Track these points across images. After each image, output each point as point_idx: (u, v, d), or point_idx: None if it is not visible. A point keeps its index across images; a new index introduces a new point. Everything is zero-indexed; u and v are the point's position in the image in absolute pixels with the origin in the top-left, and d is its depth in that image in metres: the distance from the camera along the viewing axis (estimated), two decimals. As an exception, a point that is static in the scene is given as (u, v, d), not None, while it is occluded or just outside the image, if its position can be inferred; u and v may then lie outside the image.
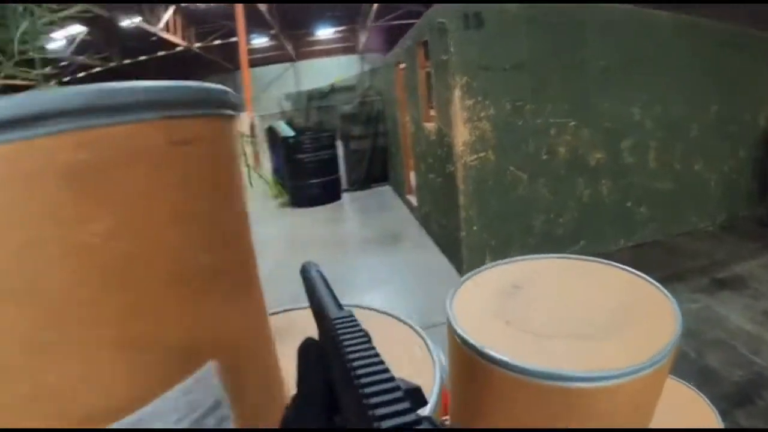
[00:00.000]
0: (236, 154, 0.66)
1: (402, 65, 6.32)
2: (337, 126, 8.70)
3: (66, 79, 16.55)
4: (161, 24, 13.94)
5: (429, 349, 1.11)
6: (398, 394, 0.26)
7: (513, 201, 4.12)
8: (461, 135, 3.93)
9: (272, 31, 18.84)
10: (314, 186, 8.10)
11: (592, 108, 4.20)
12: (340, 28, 21.84)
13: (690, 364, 2.64)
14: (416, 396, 0.28)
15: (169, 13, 14.33)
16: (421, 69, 5.21)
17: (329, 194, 8.29)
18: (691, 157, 4.66)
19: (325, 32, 22.45)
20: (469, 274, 1.41)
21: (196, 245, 0.59)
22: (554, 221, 4.22)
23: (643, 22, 4.25)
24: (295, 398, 0.38)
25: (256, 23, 16.38)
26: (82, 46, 14.60)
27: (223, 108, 0.62)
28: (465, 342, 1.05)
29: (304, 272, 0.51)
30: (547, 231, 4.21)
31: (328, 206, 8.08)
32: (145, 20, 12.82)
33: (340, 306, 0.40)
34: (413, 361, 1.09)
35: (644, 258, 4.18)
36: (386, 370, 0.28)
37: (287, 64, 23.53)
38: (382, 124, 8.54)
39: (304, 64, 23.46)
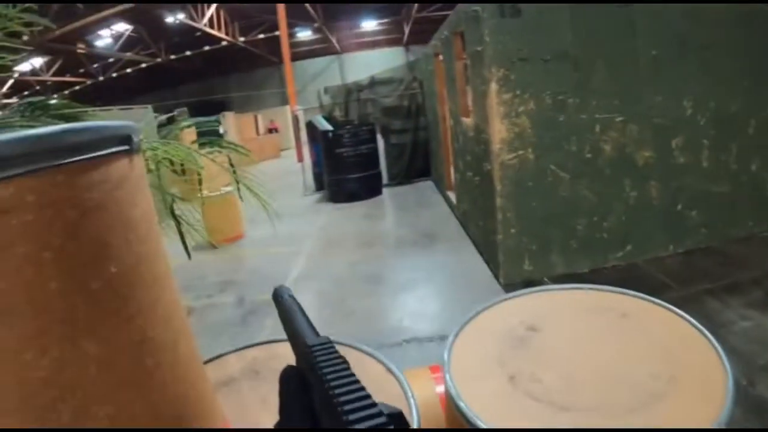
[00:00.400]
0: (109, 209, 0.50)
1: (440, 57, 6.08)
2: (378, 119, 8.53)
3: (114, 74, 17.10)
4: (205, 20, 14.13)
5: (405, 392, 0.93)
6: (369, 401, 0.29)
7: (554, 203, 3.84)
8: (498, 132, 3.70)
9: (316, 24, 18.82)
10: (353, 181, 7.99)
11: (641, 102, 3.83)
12: (385, 20, 21.62)
13: (740, 392, 2.35)
14: (398, 420, 0.29)
15: (212, 9, 14.50)
16: (459, 60, 4.98)
17: (369, 189, 8.17)
18: (748, 157, 4.16)
19: (369, 24, 22.28)
20: (479, 307, 1.22)
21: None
22: (598, 225, 3.91)
23: (698, 8, 3.84)
24: (278, 425, 0.40)
25: (299, 16, 16.39)
26: (128, 43, 14.98)
27: (73, 154, 0.46)
28: (457, 407, 0.86)
29: (276, 297, 0.51)
30: (590, 235, 3.91)
31: (368, 202, 7.96)
32: (189, 16, 13.01)
33: (316, 333, 0.41)
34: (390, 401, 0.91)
35: (695, 266, 3.83)
36: (357, 381, 0.31)
37: (333, 57, 23.57)
38: (423, 117, 8.33)
39: (350, 57, 23.45)
